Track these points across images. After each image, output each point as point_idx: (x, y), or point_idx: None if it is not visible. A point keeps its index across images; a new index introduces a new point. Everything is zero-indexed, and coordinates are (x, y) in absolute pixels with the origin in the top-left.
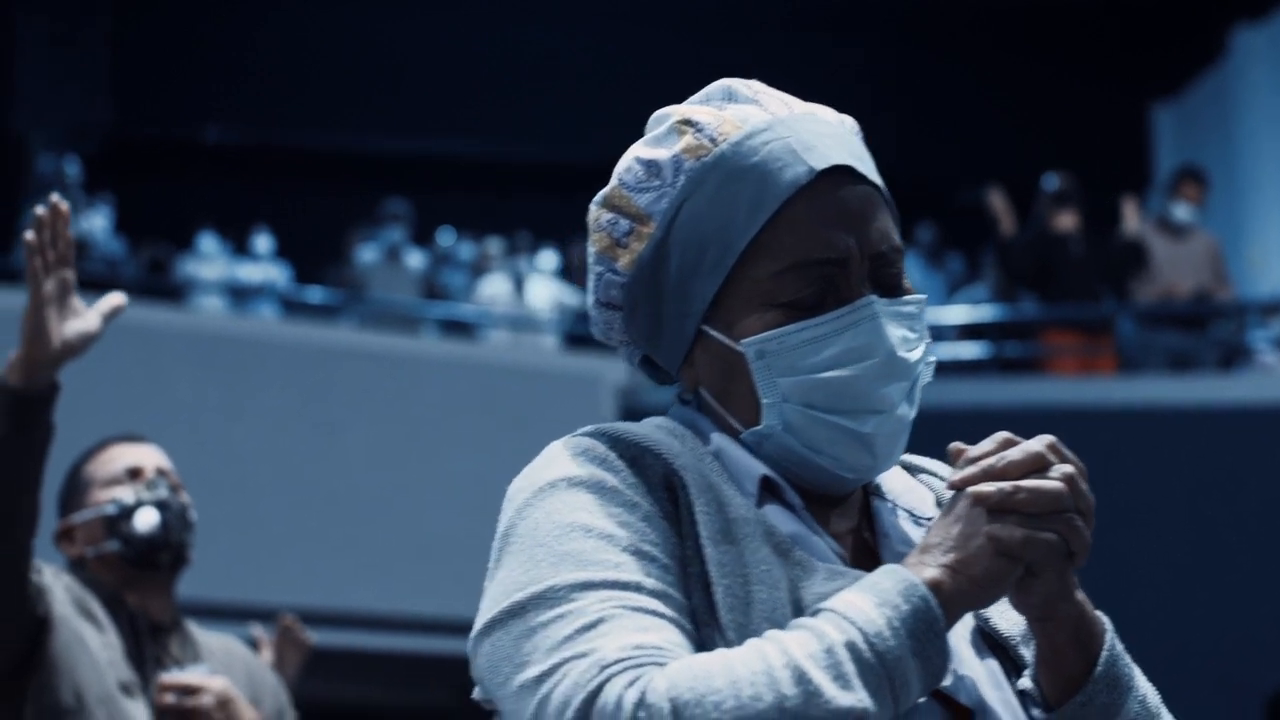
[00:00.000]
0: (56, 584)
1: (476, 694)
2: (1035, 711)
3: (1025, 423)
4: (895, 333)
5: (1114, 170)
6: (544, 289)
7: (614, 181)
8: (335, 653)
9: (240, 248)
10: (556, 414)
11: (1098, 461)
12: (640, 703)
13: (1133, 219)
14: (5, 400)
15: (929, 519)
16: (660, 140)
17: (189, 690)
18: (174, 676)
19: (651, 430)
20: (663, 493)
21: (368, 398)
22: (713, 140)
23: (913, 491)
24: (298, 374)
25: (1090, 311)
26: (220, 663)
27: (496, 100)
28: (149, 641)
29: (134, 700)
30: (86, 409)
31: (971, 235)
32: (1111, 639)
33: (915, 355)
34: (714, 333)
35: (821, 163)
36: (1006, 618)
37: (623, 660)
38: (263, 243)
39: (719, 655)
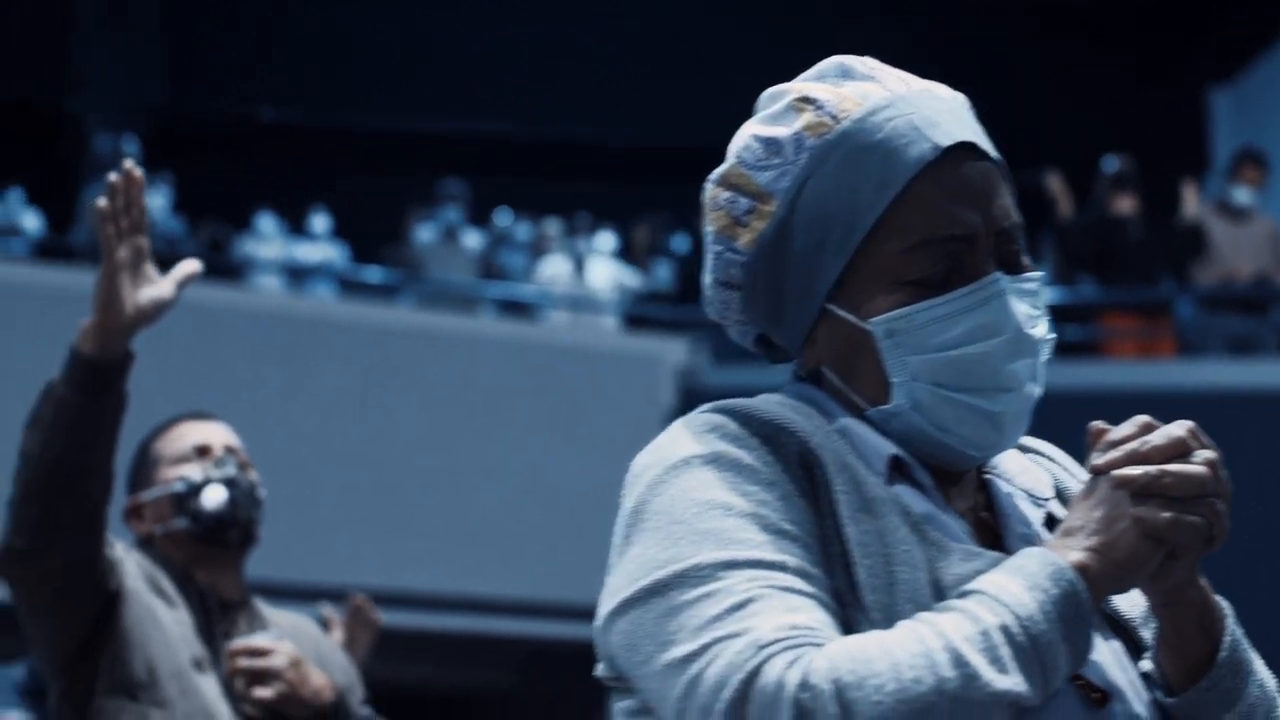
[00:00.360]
0: (128, 559)
1: (601, 671)
2: (1157, 694)
3: (1084, 406)
4: (1021, 309)
5: (1173, 154)
6: (603, 270)
7: (731, 160)
8: (388, 632)
9: (297, 228)
10: (615, 395)
11: None
12: (803, 684)
13: (1192, 202)
14: (78, 368)
15: (1046, 499)
16: (778, 118)
17: (260, 652)
18: (244, 641)
19: (779, 408)
20: (799, 471)
21: (425, 378)
22: (834, 117)
23: (1028, 472)
24: (355, 353)
25: (1150, 295)
26: (289, 637)
27: (553, 81)
28: (219, 618)
29: (205, 675)
30: (143, 388)
31: (1030, 218)
32: (1233, 624)
33: (1040, 332)
34: (840, 311)
35: (946, 139)
36: (1127, 599)
37: (780, 640)
38: (320, 222)
39: (874, 637)
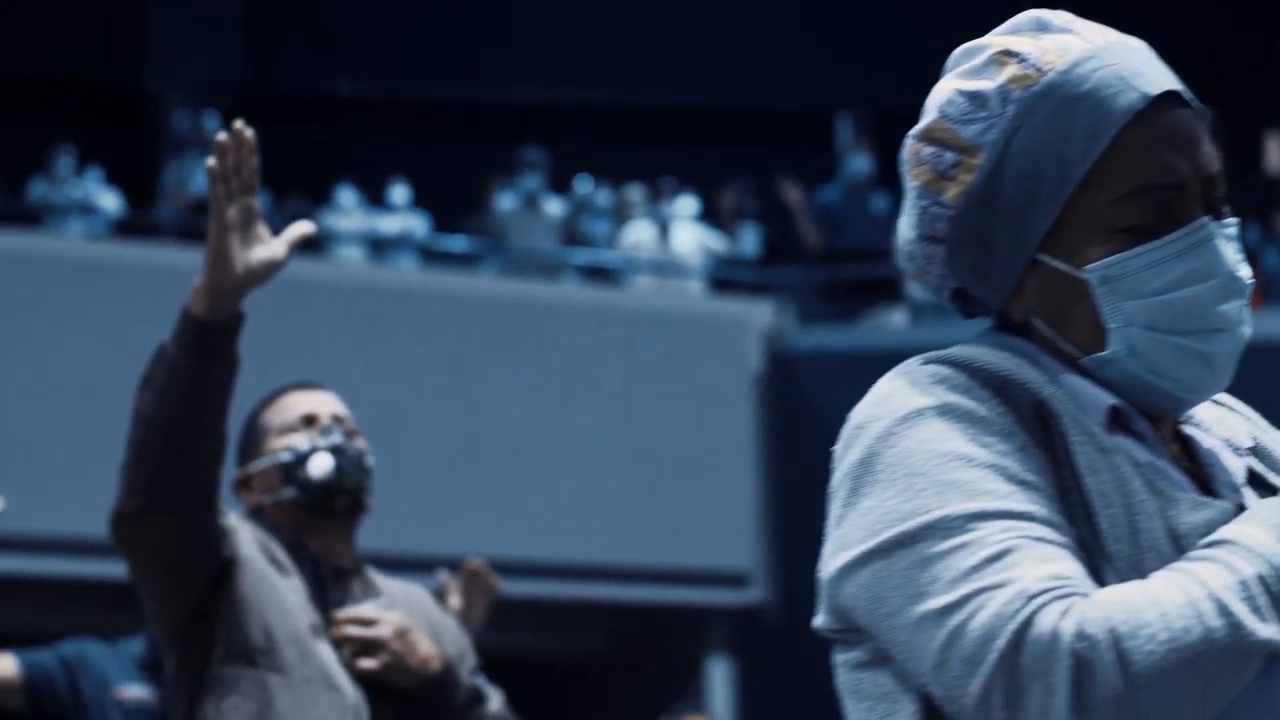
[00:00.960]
0: (242, 528)
1: (824, 624)
2: None
3: None
4: (1229, 252)
5: (1255, 106)
6: (687, 235)
7: (933, 115)
8: None
9: (377, 200)
10: (702, 360)
11: (1240, 396)
12: (1079, 633)
13: (1275, 155)
14: (189, 329)
15: (1245, 449)
16: (979, 72)
17: (366, 622)
18: (351, 611)
19: (1001, 359)
20: (1034, 423)
21: (511, 346)
22: (1039, 69)
23: (1224, 422)
24: (439, 323)
25: None
26: (401, 605)
27: (632, 47)
28: (332, 585)
29: (322, 641)
30: None
31: None
32: None
33: (1246, 274)
34: (1052, 261)
35: (1154, 88)
36: None
37: (1049, 590)
38: (400, 194)
39: (1137, 587)
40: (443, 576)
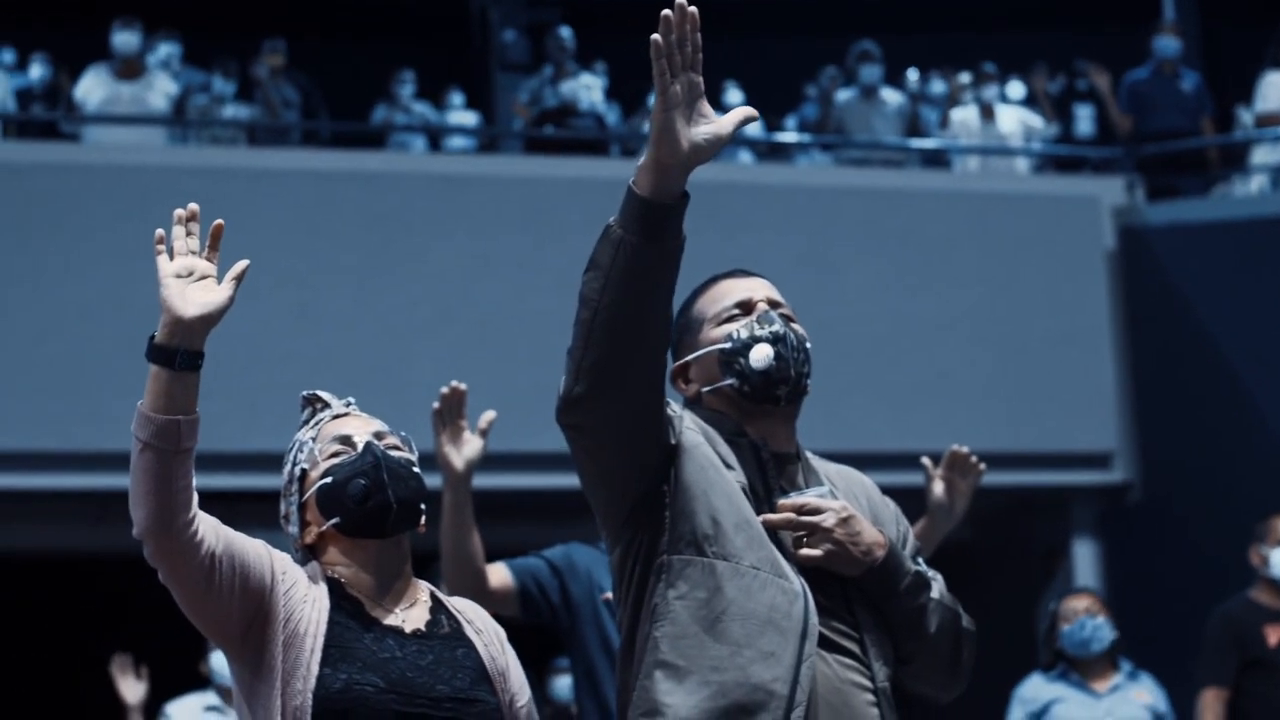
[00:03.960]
0: (685, 414)
1: None
2: None
3: None
4: None
5: None
6: (1021, 117)
7: None
8: None
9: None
10: (1055, 240)
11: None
12: None
13: None
14: (634, 207)
15: None
16: None
17: (809, 510)
18: (793, 498)
19: None
20: None
21: (861, 235)
22: None
23: None
24: (785, 216)
25: None
26: (840, 490)
27: None
28: (774, 473)
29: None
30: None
31: None
32: None
33: None
34: None
35: None
36: None
37: None
38: (734, 95)
39: None
40: (924, 460)
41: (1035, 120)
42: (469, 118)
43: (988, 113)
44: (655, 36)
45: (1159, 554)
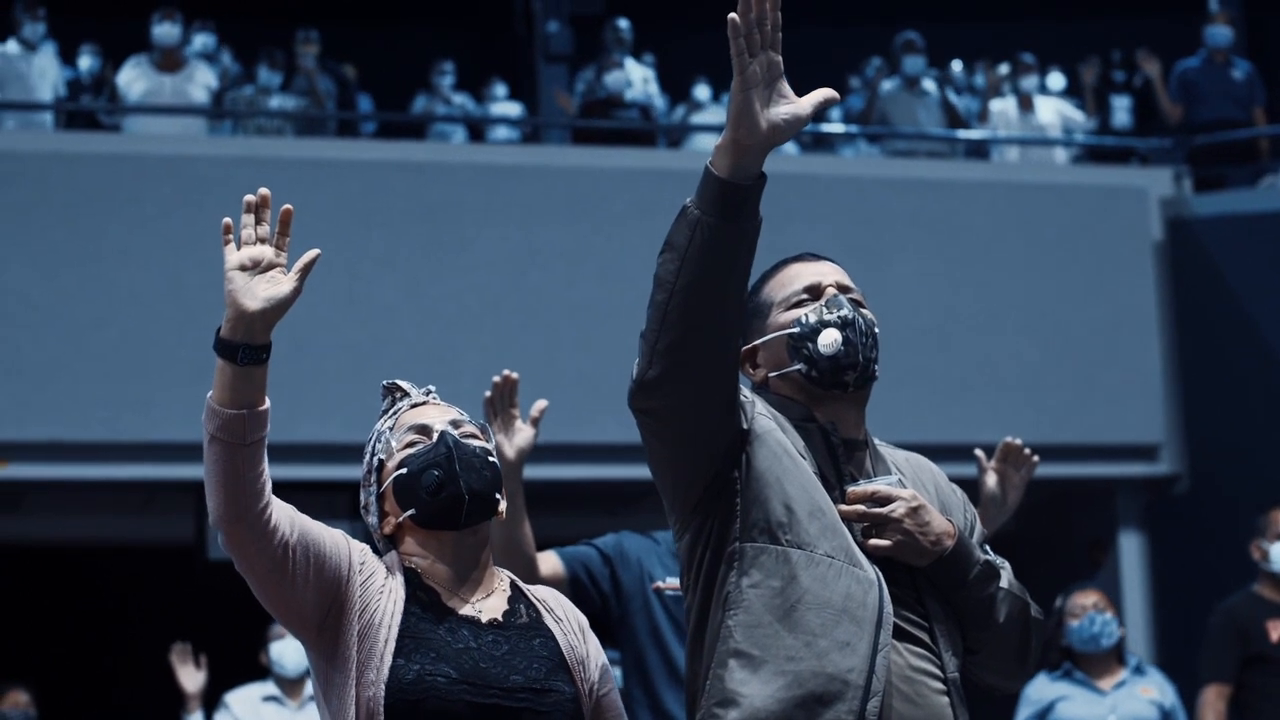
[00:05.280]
0: (757, 400)
1: None
2: None
3: None
4: None
5: None
6: (1065, 110)
7: None
8: None
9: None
10: (1102, 230)
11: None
12: None
13: None
14: (711, 187)
15: None
16: None
17: (879, 500)
18: (862, 487)
19: None
20: None
21: (906, 227)
22: None
23: None
24: (829, 207)
25: None
26: (909, 478)
27: None
28: (843, 458)
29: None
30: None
31: None
32: None
33: None
34: None
35: None
36: None
37: None
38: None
39: None
40: (977, 451)
41: (1074, 112)
42: (513, 108)
43: (1026, 104)
44: (733, 15)
45: (1205, 546)
